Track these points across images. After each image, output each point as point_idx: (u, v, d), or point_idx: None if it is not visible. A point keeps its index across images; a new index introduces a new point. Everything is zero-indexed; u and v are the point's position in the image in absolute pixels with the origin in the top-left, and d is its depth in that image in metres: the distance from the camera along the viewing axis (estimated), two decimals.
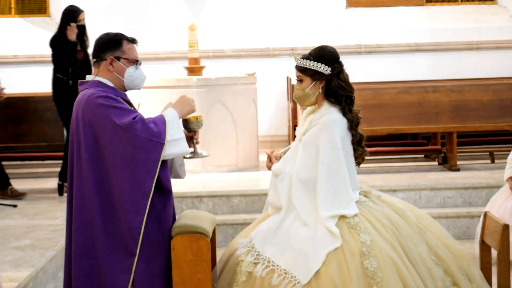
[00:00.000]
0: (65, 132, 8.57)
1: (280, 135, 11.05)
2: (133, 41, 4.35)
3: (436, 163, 9.55)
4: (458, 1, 11.59)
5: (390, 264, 4.15)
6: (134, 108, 4.36)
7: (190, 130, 4.42)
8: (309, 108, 4.61)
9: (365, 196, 4.51)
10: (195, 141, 4.45)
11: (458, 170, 8.89)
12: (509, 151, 7.17)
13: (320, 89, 4.49)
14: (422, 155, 10.11)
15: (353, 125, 4.46)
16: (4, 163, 8.47)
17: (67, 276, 4.28)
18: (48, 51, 8.54)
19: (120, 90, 4.31)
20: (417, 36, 11.25)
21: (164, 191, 4.20)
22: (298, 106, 9.00)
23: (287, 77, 10.55)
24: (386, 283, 4.10)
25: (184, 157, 4.44)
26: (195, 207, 7.84)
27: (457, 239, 7.28)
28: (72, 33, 8.34)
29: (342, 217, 4.31)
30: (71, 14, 8.47)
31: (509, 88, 9.06)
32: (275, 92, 11.10)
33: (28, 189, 8.66)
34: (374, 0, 11.51)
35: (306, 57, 4.48)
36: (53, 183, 9.06)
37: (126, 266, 4.10)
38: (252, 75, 9.55)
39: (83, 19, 8.53)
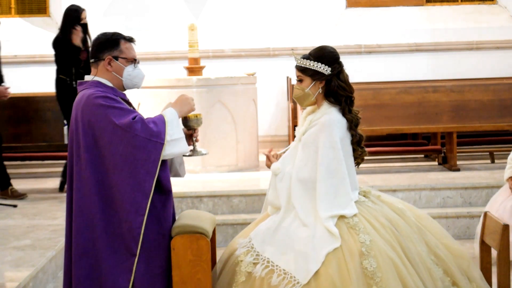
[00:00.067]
0: (65, 132, 8.57)
1: (280, 135, 11.06)
2: (130, 40, 4.34)
3: (436, 163, 9.55)
4: (458, 1, 11.59)
5: (389, 264, 4.15)
6: (134, 108, 4.37)
7: (190, 128, 4.42)
8: (308, 108, 4.61)
9: (364, 196, 4.51)
10: (194, 139, 4.45)
11: (458, 170, 8.89)
12: (509, 151, 7.18)
13: (320, 89, 4.49)
14: (422, 155, 10.12)
15: (352, 125, 4.46)
16: (4, 163, 8.47)
17: (67, 276, 4.27)
18: (48, 51, 8.54)
19: (119, 90, 4.31)
20: (417, 36, 11.25)
21: (164, 191, 4.21)
22: (298, 106, 9.00)
23: (287, 77, 10.55)
24: (385, 283, 4.10)
25: (183, 155, 4.43)
26: (195, 207, 7.84)
27: (457, 239, 7.29)
28: (77, 37, 8.35)
29: (342, 217, 4.31)
30: (73, 14, 8.46)
31: (509, 88, 9.06)
32: (275, 92, 11.10)
33: (28, 189, 8.66)
34: (374, 0, 11.51)
35: (306, 57, 4.49)
36: (53, 183, 9.06)
37: (126, 266, 4.10)
38: (252, 75, 9.55)
39: (85, 17, 8.53)
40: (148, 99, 9.21)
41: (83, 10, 8.53)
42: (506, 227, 4.30)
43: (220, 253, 4.62)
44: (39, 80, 10.60)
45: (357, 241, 4.21)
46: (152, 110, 8.49)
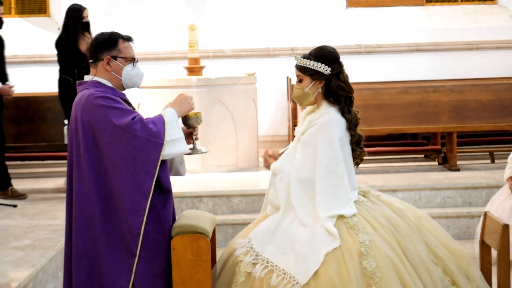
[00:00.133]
0: (65, 132, 8.57)
1: (280, 135, 11.05)
2: (128, 39, 4.34)
3: (436, 163, 9.55)
4: (458, 1, 11.59)
5: (388, 264, 4.15)
6: (133, 108, 4.37)
7: (190, 126, 4.42)
8: (308, 108, 4.61)
9: (363, 196, 4.51)
10: (194, 137, 4.45)
11: (458, 170, 8.89)
12: (509, 151, 7.18)
13: (320, 89, 4.49)
14: (422, 155, 10.12)
15: (351, 125, 4.46)
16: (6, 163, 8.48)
17: (67, 276, 4.28)
18: (48, 51, 8.54)
19: (118, 90, 4.31)
20: (417, 36, 11.25)
21: (164, 191, 4.21)
22: (298, 106, 9.00)
23: (287, 77, 10.55)
24: (385, 283, 4.10)
25: None
26: (195, 207, 7.84)
27: (457, 239, 7.30)
28: (84, 44, 8.34)
29: (341, 217, 4.31)
30: (76, 13, 8.46)
31: (509, 88, 9.06)
32: (275, 92, 11.09)
33: (28, 189, 8.66)
34: (374, 0, 11.51)
35: (307, 57, 4.49)
36: (53, 183, 9.07)
37: (126, 266, 4.11)
38: (252, 75, 9.56)
39: (87, 16, 8.53)
40: (148, 99, 9.21)
41: (85, 8, 8.52)
42: (506, 227, 4.30)
43: (220, 253, 4.62)
44: (39, 80, 10.59)
45: (356, 241, 4.21)
46: (152, 110, 8.49)
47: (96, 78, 4.28)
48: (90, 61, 4.32)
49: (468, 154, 9.96)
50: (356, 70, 10.43)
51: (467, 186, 8.05)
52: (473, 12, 11.46)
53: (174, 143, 4.18)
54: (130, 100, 4.44)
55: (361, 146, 4.51)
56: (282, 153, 4.59)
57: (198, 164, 9.02)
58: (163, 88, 9.16)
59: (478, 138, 10.08)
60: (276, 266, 4.23)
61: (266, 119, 11.01)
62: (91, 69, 4.33)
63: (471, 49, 11.25)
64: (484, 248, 4.59)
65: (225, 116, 9.22)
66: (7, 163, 8.53)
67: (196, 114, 4.40)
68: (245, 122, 9.34)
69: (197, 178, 8.73)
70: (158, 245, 4.18)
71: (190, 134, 4.43)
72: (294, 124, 9.52)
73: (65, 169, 4.78)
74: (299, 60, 4.50)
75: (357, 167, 4.54)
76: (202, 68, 9.67)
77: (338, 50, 4.58)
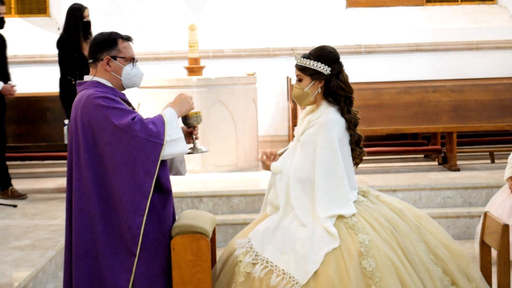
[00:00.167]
0: (65, 132, 8.57)
1: (280, 135, 11.05)
2: (128, 39, 4.34)
3: (436, 163, 9.55)
4: (458, 1, 11.59)
5: (388, 264, 4.15)
6: (133, 108, 4.37)
7: (189, 126, 4.42)
8: (307, 108, 4.61)
9: (363, 196, 4.51)
10: (194, 136, 4.44)
11: (458, 170, 8.89)
12: (509, 151, 7.18)
13: (319, 88, 4.49)
14: (422, 155, 10.11)
15: (351, 125, 4.46)
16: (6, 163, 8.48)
17: (67, 276, 4.28)
18: (48, 51, 8.54)
19: (118, 90, 4.31)
20: (417, 36, 11.25)
21: (163, 191, 4.21)
22: (298, 106, 9.00)
23: (287, 77, 10.55)
24: (384, 283, 4.10)
25: None
26: (195, 207, 7.84)
27: (457, 239, 7.30)
28: (88, 49, 8.33)
29: (340, 217, 4.31)
30: (76, 12, 8.45)
31: (509, 88, 9.06)
32: (275, 92, 11.09)
33: (28, 189, 8.65)
34: (374, 0, 11.51)
35: (306, 57, 4.49)
36: (53, 183, 9.06)
37: (126, 266, 4.11)
38: (252, 75, 9.55)
39: (88, 15, 8.53)
40: (148, 99, 9.21)
41: (85, 8, 8.52)
42: (506, 227, 4.30)
43: (220, 253, 4.62)
44: (39, 80, 10.59)
45: (356, 241, 4.21)
46: (152, 110, 8.49)
47: (96, 78, 4.28)
48: (90, 61, 4.32)
49: (468, 154, 9.95)
50: (356, 70, 10.43)
51: (467, 186, 8.05)
52: (473, 12, 11.46)
53: (174, 143, 4.18)
54: (130, 100, 4.44)
55: (361, 146, 4.51)
56: (281, 153, 4.58)
57: (198, 164, 9.02)
58: (163, 88, 9.16)
59: (478, 138, 10.08)
60: (275, 266, 4.23)
61: (266, 119, 11.01)
62: (91, 69, 4.33)
63: (471, 49, 11.25)
64: (484, 248, 4.59)
65: (225, 116, 9.21)
66: (7, 163, 8.53)
67: (196, 114, 4.40)
68: (245, 122, 9.34)
69: (197, 178, 8.73)
70: (158, 245, 4.18)
71: (190, 133, 4.43)
72: (294, 124, 9.47)
73: (65, 169, 4.77)
74: (299, 60, 4.50)
75: (356, 167, 4.54)
76: (202, 68, 9.67)
77: (338, 50, 4.58)
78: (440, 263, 4.37)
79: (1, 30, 8.37)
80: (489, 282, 4.49)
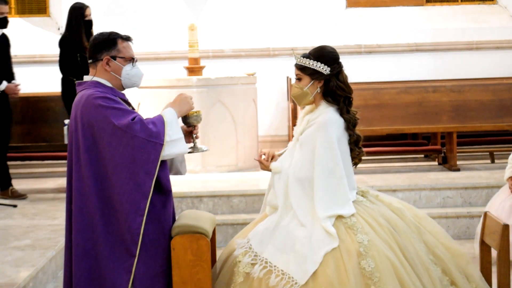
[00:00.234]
0: (65, 132, 8.56)
1: (280, 135, 11.05)
2: (127, 39, 4.34)
3: (436, 163, 9.55)
4: (458, 1, 11.59)
5: (387, 264, 4.15)
6: (133, 108, 4.37)
7: (189, 125, 4.42)
8: (307, 108, 4.61)
9: (362, 196, 4.51)
10: (194, 136, 4.45)
11: (458, 170, 8.89)
12: (509, 151, 7.18)
13: (319, 88, 4.49)
14: (422, 155, 10.11)
15: (350, 125, 4.45)
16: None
17: (67, 276, 4.28)
18: (48, 51, 8.53)
19: (118, 90, 4.31)
20: (417, 36, 11.25)
21: (163, 191, 4.21)
22: (298, 106, 9.00)
23: (287, 77, 10.55)
24: (383, 283, 4.10)
25: None
26: (195, 207, 7.84)
27: (457, 239, 7.31)
28: None
29: (339, 217, 4.30)
30: (78, 11, 8.45)
31: (509, 88, 9.06)
32: (275, 92, 11.10)
33: (28, 189, 8.65)
34: (374, 0, 11.51)
35: (306, 56, 4.49)
36: (53, 183, 9.06)
37: (126, 267, 4.11)
38: (252, 75, 9.55)
39: (90, 14, 8.52)
40: (148, 99, 9.21)
41: (87, 7, 8.52)
42: (506, 227, 4.30)
43: (220, 253, 4.62)
44: (39, 80, 10.59)
45: (355, 241, 4.21)
46: (152, 110, 8.50)
47: (96, 78, 4.28)
48: (90, 61, 4.32)
49: (468, 154, 9.95)
50: (356, 70, 10.43)
51: (467, 186, 8.05)
52: (473, 12, 11.46)
53: (174, 143, 4.18)
54: (130, 100, 4.44)
55: (360, 146, 4.51)
56: (280, 154, 4.58)
57: (198, 164, 9.02)
58: (163, 88, 9.16)
59: (478, 138, 10.08)
60: (274, 266, 4.22)
61: (266, 119, 11.01)
62: (91, 69, 4.33)
63: (471, 49, 11.25)
64: (484, 248, 4.59)
65: (225, 116, 9.22)
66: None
67: (196, 113, 4.40)
68: (245, 122, 9.34)
69: (197, 178, 8.73)
70: (158, 245, 4.18)
71: (190, 132, 4.43)
72: (294, 124, 9.46)
73: (65, 169, 4.78)
74: (298, 59, 4.50)
75: (355, 167, 4.54)
76: (202, 68, 9.67)
77: (338, 50, 4.58)
78: (439, 263, 4.37)
79: (5, 29, 8.36)
80: (489, 282, 4.49)
